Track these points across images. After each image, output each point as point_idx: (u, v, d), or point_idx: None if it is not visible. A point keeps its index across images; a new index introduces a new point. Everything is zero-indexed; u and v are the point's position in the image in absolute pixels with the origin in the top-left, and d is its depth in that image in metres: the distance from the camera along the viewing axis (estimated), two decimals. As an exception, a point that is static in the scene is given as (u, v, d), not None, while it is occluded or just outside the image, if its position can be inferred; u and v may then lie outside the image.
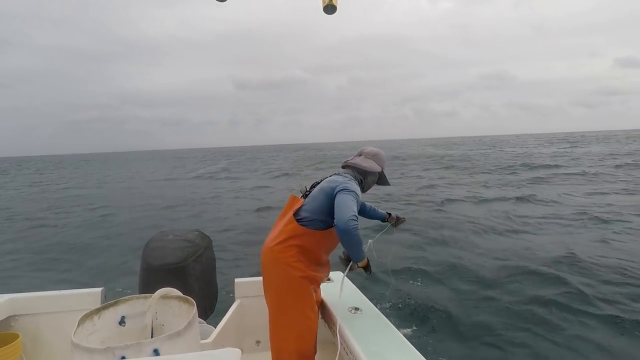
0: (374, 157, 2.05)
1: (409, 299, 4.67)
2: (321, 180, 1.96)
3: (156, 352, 0.97)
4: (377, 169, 2.02)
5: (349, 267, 1.88)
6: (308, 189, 1.98)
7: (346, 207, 1.66)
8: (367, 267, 1.84)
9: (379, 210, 2.31)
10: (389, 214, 2.28)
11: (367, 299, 2.08)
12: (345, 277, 2.04)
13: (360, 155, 2.08)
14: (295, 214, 1.84)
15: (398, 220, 2.28)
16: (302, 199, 1.92)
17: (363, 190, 2.01)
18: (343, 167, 2.08)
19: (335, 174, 1.97)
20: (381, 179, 2.10)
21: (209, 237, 2.26)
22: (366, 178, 2.02)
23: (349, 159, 2.08)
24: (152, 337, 1.24)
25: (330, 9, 2.43)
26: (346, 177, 1.90)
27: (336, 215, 1.66)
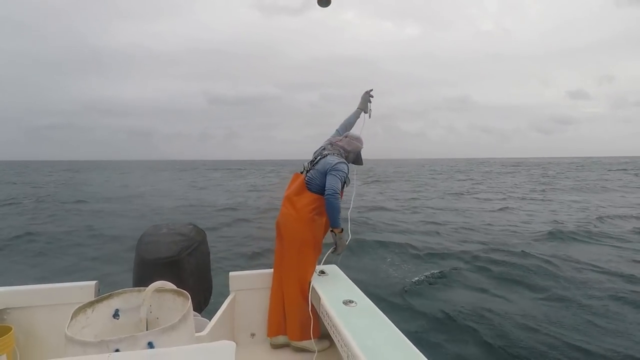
0: (357, 139, 2.58)
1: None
2: (318, 157, 2.46)
3: (151, 345, 0.97)
4: (358, 149, 2.56)
5: (333, 248, 2.40)
6: (310, 166, 2.46)
7: (331, 184, 2.25)
8: (341, 238, 2.36)
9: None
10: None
11: (361, 292, 2.10)
12: (340, 271, 2.43)
13: (346, 137, 2.58)
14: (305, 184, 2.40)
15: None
16: (304, 174, 2.44)
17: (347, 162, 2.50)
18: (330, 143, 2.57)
19: (329, 154, 2.43)
20: (357, 159, 2.60)
21: (203, 230, 2.26)
22: (349, 156, 2.52)
23: (337, 140, 2.56)
24: (146, 330, 1.24)
25: (324, 2, 2.41)
26: (340, 159, 2.39)
27: (327, 189, 2.25)
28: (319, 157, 2.45)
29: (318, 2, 2.39)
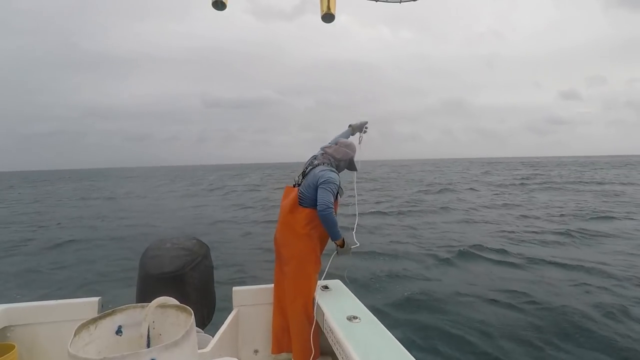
0: (347, 147, 2.56)
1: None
2: (308, 166, 2.46)
3: None
4: (349, 156, 2.54)
5: (335, 252, 2.41)
6: (300, 178, 2.46)
7: (322, 199, 2.23)
8: (344, 246, 2.37)
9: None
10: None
11: (365, 308, 2.08)
12: (344, 285, 2.46)
13: (336, 144, 2.57)
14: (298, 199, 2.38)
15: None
16: (297, 188, 2.43)
17: (339, 170, 2.52)
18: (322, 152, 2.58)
19: (318, 164, 2.44)
20: (350, 165, 2.59)
21: (207, 245, 2.26)
22: (339, 164, 2.52)
23: (327, 147, 2.57)
24: (149, 346, 1.23)
25: (328, 17, 2.47)
26: (330, 168, 2.40)
27: (317, 204, 2.24)
28: (310, 167, 2.46)
29: (322, 19, 2.44)
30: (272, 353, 2.37)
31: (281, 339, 2.36)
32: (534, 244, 9.10)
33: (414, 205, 16.82)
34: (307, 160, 2.56)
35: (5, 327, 2.02)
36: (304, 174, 2.44)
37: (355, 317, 1.91)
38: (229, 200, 21.44)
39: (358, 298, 2.24)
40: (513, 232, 10.46)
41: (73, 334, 1.11)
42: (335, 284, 2.47)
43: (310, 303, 2.27)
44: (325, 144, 2.66)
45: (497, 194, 20.76)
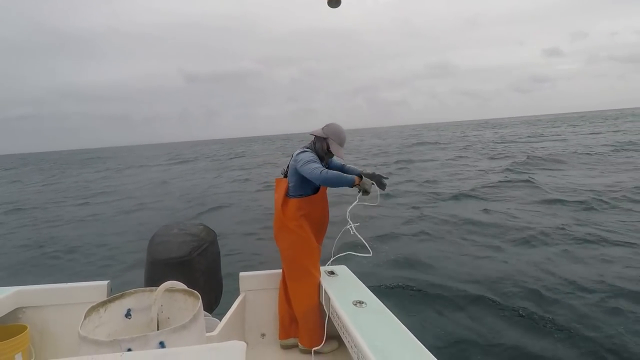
0: (325, 128, 2.38)
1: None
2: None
3: (162, 345, 0.98)
4: (324, 148, 2.36)
5: (358, 196, 2.28)
6: (286, 169, 2.40)
7: (310, 171, 2.16)
8: (365, 184, 2.19)
9: (353, 168, 2.44)
10: (360, 177, 2.20)
11: (371, 293, 2.08)
12: (350, 271, 2.43)
13: (322, 130, 2.43)
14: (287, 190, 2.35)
15: (365, 186, 2.19)
16: (286, 179, 2.37)
17: (321, 154, 2.38)
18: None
19: (300, 149, 2.36)
20: (330, 148, 2.37)
21: (214, 231, 2.27)
22: (316, 144, 2.38)
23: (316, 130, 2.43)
24: (157, 329, 1.25)
25: (334, 2, 2.41)
26: (302, 149, 2.34)
27: (311, 179, 2.18)
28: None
29: (328, 3, 2.38)
30: (280, 339, 2.41)
31: (288, 327, 2.39)
32: None
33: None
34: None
35: (18, 308, 2.06)
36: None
37: (361, 302, 1.92)
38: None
39: (364, 283, 2.24)
40: None
41: (83, 316, 1.12)
42: (342, 269, 2.48)
43: (314, 292, 2.29)
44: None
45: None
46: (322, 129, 2.38)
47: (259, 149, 52.70)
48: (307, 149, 2.35)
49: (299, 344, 2.35)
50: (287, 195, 2.33)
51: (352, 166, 2.52)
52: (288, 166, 2.39)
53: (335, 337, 2.27)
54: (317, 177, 2.12)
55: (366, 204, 2.35)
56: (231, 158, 35.96)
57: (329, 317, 2.11)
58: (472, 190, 10.52)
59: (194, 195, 13.62)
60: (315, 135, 2.38)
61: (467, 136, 42.42)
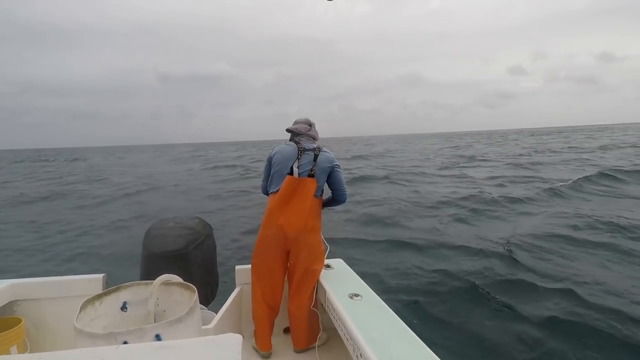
0: (312, 124, 2.40)
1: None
2: (300, 151, 2.21)
3: (158, 338, 0.98)
4: (314, 133, 2.38)
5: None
6: (297, 165, 2.19)
7: (345, 191, 2.34)
8: None
9: None
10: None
11: (367, 285, 2.10)
12: (346, 264, 2.45)
13: (310, 125, 2.38)
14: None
15: None
16: (308, 178, 2.17)
17: None
18: (297, 133, 2.34)
19: (316, 148, 2.24)
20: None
21: (210, 224, 2.27)
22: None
23: (302, 128, 2.33)
24: (154, 322, 1.25)
25: None
26: (333, 156, 2.28)
27: (341, 191, 2.32)
28: (304, 150, 2.21)
29: None
30: (264, 350, 2.23)
31: (269, 334, 2.25)
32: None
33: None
34: (288, 141, 2.33)
35: (12, 301, 2.05)
36: (298, 159, 2.19)
37: (357, 295, 1.93)
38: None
39: (361, 277, 2.26)
40: None
41: (79, 309, 1.12)
42: (338, 263, 2.49)
43: (313, 291, 2.23)
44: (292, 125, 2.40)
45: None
46: (314, 128, 2.41)
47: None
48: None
49: (295, 348, 2.26)
50: (315, 195, 2.21)
51: None
52: (313, 166, 2.18)
53: (325, 329, 2.28)
54: (346, 199, 2.37)
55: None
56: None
57: (325, 309, 2.12)
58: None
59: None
60: (312, 136, 2.37)
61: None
